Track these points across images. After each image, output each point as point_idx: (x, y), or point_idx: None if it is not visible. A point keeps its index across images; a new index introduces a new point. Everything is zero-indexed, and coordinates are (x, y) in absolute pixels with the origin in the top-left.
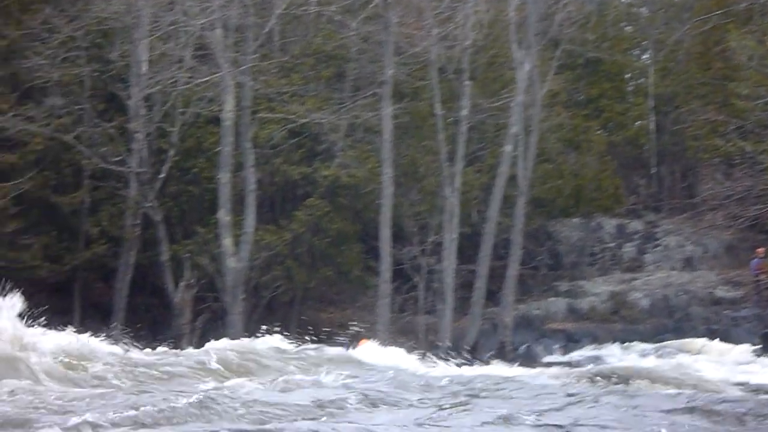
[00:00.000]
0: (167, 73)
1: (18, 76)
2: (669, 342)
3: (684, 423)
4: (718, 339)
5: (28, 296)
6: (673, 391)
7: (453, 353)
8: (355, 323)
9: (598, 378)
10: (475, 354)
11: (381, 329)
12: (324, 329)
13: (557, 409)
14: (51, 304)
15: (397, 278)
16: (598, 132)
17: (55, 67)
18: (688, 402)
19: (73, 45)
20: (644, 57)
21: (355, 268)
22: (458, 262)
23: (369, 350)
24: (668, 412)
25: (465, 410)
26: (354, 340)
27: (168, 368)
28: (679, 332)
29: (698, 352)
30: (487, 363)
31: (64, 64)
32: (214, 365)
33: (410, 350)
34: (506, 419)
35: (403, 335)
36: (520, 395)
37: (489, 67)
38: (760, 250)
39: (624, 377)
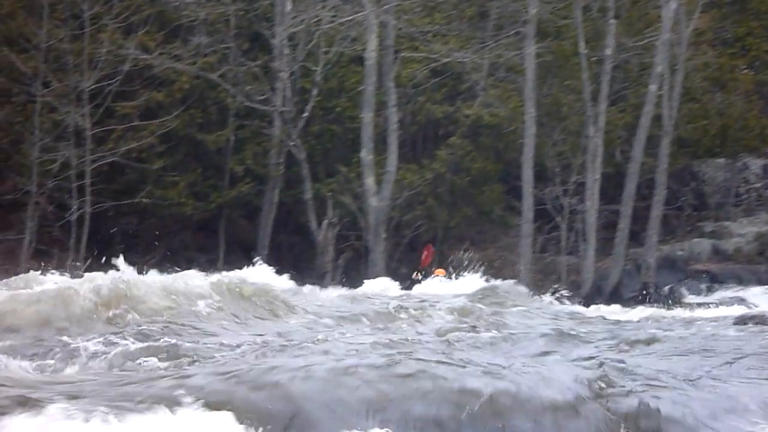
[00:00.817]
0: (311, 12)
1: (165, 15)
2: None
3: None
4: None
5: (174, 233)
6: None
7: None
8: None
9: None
10: (617, 294)
11: (523, 269)
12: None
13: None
14: (196, 242)
15: (538, 218)
16: (745, 71)
17: (201, 5)
18: None
19: None
20: None
21: (497, 208)
22: (601, 202)
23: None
24: None
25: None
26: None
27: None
28: None
29: None
30: (630, 304)
31: (209, 2)
32: None
33: (552, 291)
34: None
35: (544, 275)
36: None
37: (634, 5)
38: None
39: None
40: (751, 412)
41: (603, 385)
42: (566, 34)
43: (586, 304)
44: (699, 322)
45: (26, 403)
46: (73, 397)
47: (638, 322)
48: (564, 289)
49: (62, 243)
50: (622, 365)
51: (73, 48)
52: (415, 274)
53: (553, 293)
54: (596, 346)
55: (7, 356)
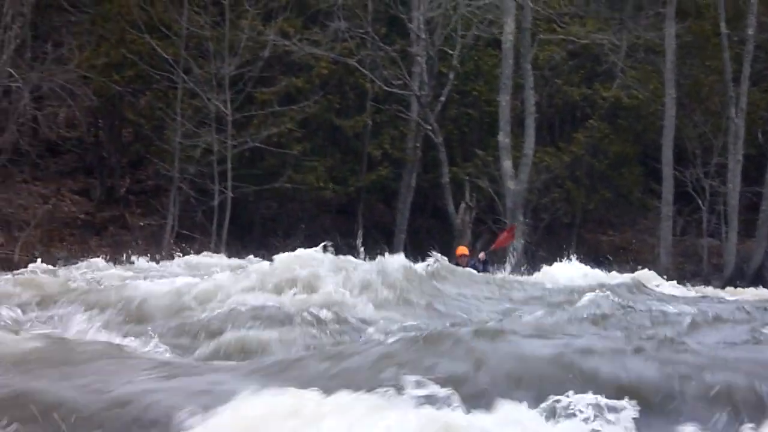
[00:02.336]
0: None
1: (304, 1)
2: None
3: None
4: None
5: (314, 217)
6: None
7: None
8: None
9: None
10: (760, 277)
11: (663, 252)
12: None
13: None
14: (336, 225)
15: (678, 201)
16: None
17: None
18: None
19: None
20: None
21: (636, 191)
22: (743, 184)
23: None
24: None
25: None
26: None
27: None
28: None
29: None
30: None
31: None
32: None
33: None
34: None
35: (684, 258)
36: None
37: None
38: None
39: None
40: None
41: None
42: (707, 13)
43: (728, 287)
44: None
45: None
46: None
47: None
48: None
49: (204, 228)
50: None
51: (214, 34)
52: (481, 254)
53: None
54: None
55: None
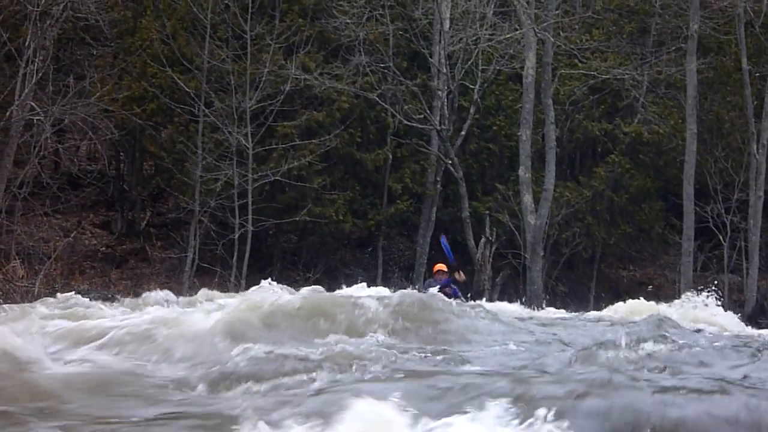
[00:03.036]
0: (470, 31)
1: (325, 35)
2: None
3: None
4: None
5: (333, 251)
6: None
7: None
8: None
9: None
10: None
11: (684, 287)
12: (624, 287)
13: None
14: (355, 259)
15: (699, 236)
16: None
17: (360, 26)
18: None
19: (378, 3)
20: None
21: (657, 226)
22: (764, 220)
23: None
24: None
25: None
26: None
27: None
28: None
29: None
30: None
31: (369, 23)
32: None
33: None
34: None
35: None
36: None
37: None
38: None
39: None
40: None
41: None
42: (728, 49)
43: (750, 324)
44: None
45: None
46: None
47: None
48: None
49: (224, 260)
50: None
51: (235, 68)
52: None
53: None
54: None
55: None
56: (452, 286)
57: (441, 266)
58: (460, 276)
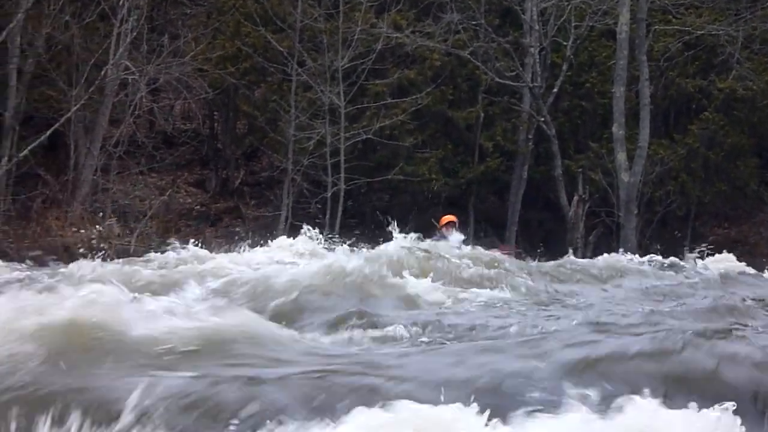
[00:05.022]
0: None
1: None
2: None
3: None
4: None
5: (425, 209)
6: None
7: None
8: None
9: None
10: None
11: None
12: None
13: None
14: (438, 214)
15: None
16: None
17: None
18: None
19: None
20: None
21: (752, 183)
22: None
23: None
24: None
25: None
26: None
27: None
28: None
29: None
30: None
31: None
32: None
33: None
34: None
35: None
36: None
37: None
38: None
39: None
40: None
41: None
42: None
43: None
44: None
45: None
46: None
47: None
48: None
49: (317, 219)
50: None
51: (327, 27)
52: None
53: None
54: None
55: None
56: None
57: (451, 217)
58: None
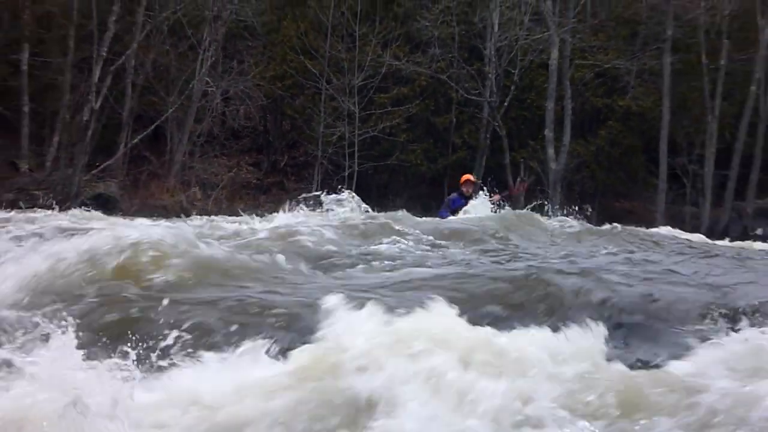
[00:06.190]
0: (512, 32)
1: (410, 33)
2: None
3: None
4: None
5: (413, 186)
6: None
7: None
8: (637, 209)
9: None
10: (725, 234)
11: (659, 215)
12: (617, 213)
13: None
14: (428, 192)
15: (670, 180)
16: None
17: (435, 27)
18: None
19: (448, 12)
20: None
21: (641, 172)
22: (715, 168)
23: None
24: None
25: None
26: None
27: None
28: None
29: None
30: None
31: (441, 24)
32: None
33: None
34: None
35: (673, 220)
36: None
37: (741, 30)
38: None
39: None
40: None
41: None
42: (693, 49)
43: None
44: None
45: None
46: None
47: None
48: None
49: (337, 192)
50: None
51: (348, 56)
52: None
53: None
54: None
55: None
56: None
57: (468, 176)
58: (496, 196)
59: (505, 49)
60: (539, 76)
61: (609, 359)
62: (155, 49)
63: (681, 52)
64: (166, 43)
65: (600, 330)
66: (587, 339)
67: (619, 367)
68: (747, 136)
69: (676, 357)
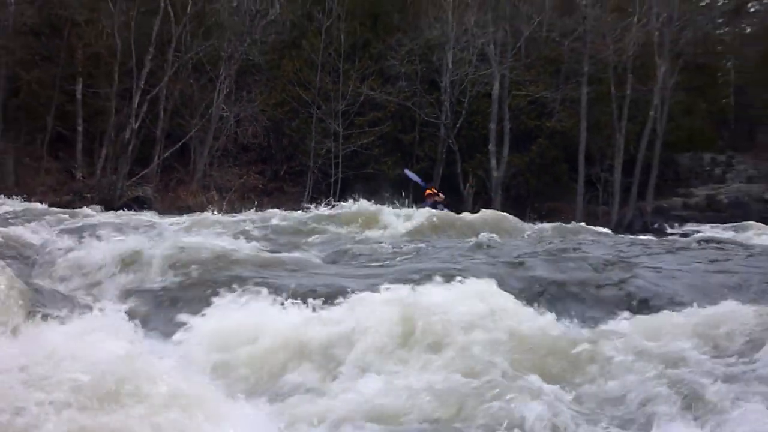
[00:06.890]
0: (463, 69)
1: (382, 70)
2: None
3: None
4: None
5: (385, 189)
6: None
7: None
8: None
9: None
10: (630, 228)
11: (578, 213)
12: (545, 212)
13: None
14: (394, 192)
15: (587, 185)
16: (703, 105)
17: (402, 65)
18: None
19: (413, 53)
20: None
21: (563, 177)
22: (622, 175)
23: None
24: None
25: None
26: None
27: None
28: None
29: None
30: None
31: (407, 63)
32: None
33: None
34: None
35: (589, 217)
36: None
37: (642, 66)
38: None
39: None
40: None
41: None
42: (604, 82)
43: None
44: (669, 240)
45: None
46: None
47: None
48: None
49: (326, 193)
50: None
51: (334, 87)
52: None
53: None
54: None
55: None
56: (438, 204)
57: (433, 189)
58: (439, 197)
59: (458, 82)
60: (484, 103)
61: (522, 323)
62: (182, 81)
63: (595, 84)
64: (191, 77)
65: (517, 301)
66: (507, 304)
67: (530, 330)
68: (646, 150)
69: (581, 321)
